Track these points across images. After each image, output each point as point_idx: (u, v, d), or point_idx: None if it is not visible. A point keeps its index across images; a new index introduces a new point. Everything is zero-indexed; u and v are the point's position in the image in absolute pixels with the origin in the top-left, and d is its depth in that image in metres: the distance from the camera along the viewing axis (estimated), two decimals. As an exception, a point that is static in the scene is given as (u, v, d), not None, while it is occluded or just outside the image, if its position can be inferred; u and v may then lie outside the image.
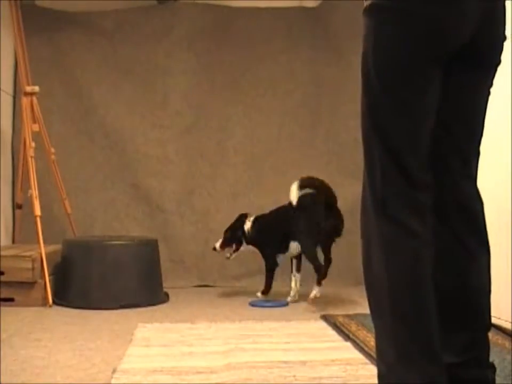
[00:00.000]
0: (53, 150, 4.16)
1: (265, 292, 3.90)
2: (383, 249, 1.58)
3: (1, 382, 2.15)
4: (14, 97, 4.47)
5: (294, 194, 3.77)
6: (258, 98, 4.67)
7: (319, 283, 3.56)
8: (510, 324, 2.74)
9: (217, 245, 3.88)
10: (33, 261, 3.58)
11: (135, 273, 3.79)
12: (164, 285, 3.98)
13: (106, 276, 3.70)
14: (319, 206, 3.72)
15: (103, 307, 3.54)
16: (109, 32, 4.61)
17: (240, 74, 4.66)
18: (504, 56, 1.71)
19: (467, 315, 1.70)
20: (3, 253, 3.64)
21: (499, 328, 2.72)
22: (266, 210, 4.02)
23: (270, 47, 4.66)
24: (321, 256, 3.69)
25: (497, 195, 2.79)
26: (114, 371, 2.22)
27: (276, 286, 4.07)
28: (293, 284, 3.87)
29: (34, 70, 4.23)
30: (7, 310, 3.41)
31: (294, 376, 2.18)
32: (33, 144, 3.87)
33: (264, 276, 3.92)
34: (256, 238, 3.92)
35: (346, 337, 2.75)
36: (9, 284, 3.56)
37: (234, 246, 3.89)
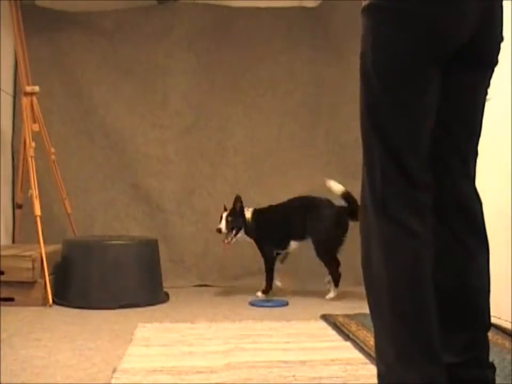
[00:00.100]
0: (53, 150, 4.16)
1: (266, 291, 3.91)
2: (382, 249, 1.58)
3: (1, 382, 2.15)
4: (14, 97, 4.47)
5: (337, 187, 3.86)
6: (258, 98, 4.67)
7: (336, 285, 3.88)
8: (510, 324, 2.75)
9: (223, 226, 3.85)
10: (33, 260, 3.58)
11: (135, 273, 3.79)
12: (164, 284, 3.98)
13: (106, 276, 3.70)
14: (344, 220, 3.85)
15: (103, 307, 3.54)
16: (109, 32, 4.61)
17: (240, 74, 4.66)
18: (504, 57, 1.71)
19: (467, 315, 1.70)
20: (3, 253, 3.64)
21: (499, 328, 2.73)
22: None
23: (270, 47, 4.66)
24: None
25: (497, 195, 2.79)
26: (114, 371, 2.22)
27: (275, 284, 4.08)
28: (278, 282, 3.97)
29: (34, 70, 4.23)
30: (7, 310, 3.41)
31: (294, 376, 2.18)
32: (33, 144, 3.88)
33: (265, 275, 3.94)
34: (255, 231, 3.94)
35: (346, 337, 2.75)
36: (9, 283, 3.56)
37: (234, 231, 3.89)
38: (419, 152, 1.60)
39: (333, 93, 4.64)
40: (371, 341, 2.55)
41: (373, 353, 2.34)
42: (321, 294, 4.04)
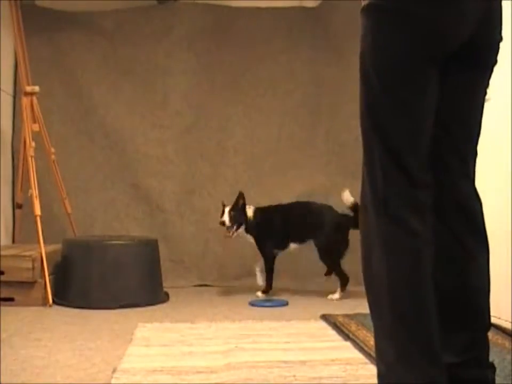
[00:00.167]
0: (53, 150, 4.16)
1: (266, 290, 3.91)
2: (383, 249, 1.58)
3: (1, 382, 2.15)
4: (14, 97, 4.47)
5: (348, 198, 3.88)
6: (258, 98, 4.67)
7: (342, 289, 3.92)
8: (510, 324, 2.75)
9: (227, 219, 3.84)
10: (33, 260, 3.58)
11: (135, 273, 3.79)
12: (164, 284, 3.98)
13: (106, 276, 3.70)
14: (345, 227, 3.91)
15: (103, 307, 3.54)
16: (109, 32, 4.61)
17: (240, 74, 4.66)
18: (504, 57, 1.71)
19: (467, 315, 1.70)
20: (3, 253, 3.64)
21: (499, 328, 2.73)
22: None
23: (270, 47, 4.66)
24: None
25: (497, 195, 2.79)
26: (114, 371, 2.22)
27: (275, 284, 4.08)
28: (260, 280, 3.99)
29: (34, 70, 4.23)
30: (7, 310, 3.41)
31: (294, 376, 2.18)
32: (33, 144, 3.88)
33: (265, 275, 3.95)
34: (255, 229, 3.95)
35: (346, 337, 2.75)
36: (9, 283, 3.56)
37: (235, 226, 3.88)
38: (419, 152, 1.60)
39: (333, 93, 4.64)
40: (371, 341, 2.55)
41: (373, 353, 2.34)
42: (321, 294, 4.05)
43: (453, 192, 1.69)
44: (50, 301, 3.58)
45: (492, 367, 1.72)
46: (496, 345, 2.48)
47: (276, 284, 4.09)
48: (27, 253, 3.63)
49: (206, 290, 4.31)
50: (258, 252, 4.05)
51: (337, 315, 3.21)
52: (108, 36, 4.61)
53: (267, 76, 4.66)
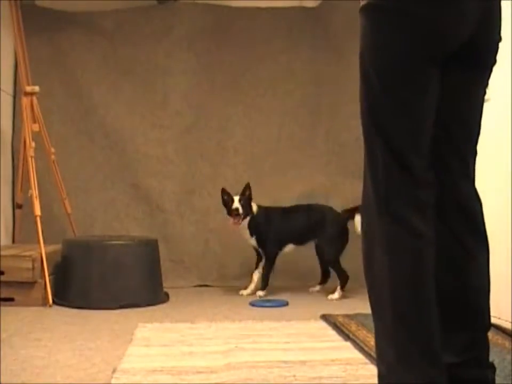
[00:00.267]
0: (53, 150, 4.16)
1: (264, 287, 3.96)
2: (385, 249, 1.58)
3: (1, 382, 2.15)
4: (14, 97, 4.47)
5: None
6: (258, 98, 4.67)
7: (342, 288, 3.94)
8: (510, 324, 2.75)
9: (240, 206, 3.89)
10: (33, 260, 3.58)
11: (135, 273, 3.79)
12: (164, 285, 3.98)
13: (106, 276, 3.70)
14: (345, 227, 4.03)
15: (103, 307, 3.54)
16: (109, 32, 4.61)
17: (240, 74, 4.66)
18: (504, 57, 1.71)
19: (467, 315, 1.70)
20: (3, 253, 3.64)
21: (499, 328, 2.72)
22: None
23: (270, 47, 4.66)
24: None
25: (497, 195, 2.79)
26: (114, 371, 2.22)
27: (275, 284, 4.09)
28: (255, 278, 4.02)
29: (34, 70, 4.23)
30: (7, 310, 3.41)
31: (294, 376, 2.18)
32: (33, 144, 3.88)
33: (263, 274, 4.00)
34: (257, 225, 3.99)
35: (346, 337, 2.75)
36: (9, 283, 3.56)
37: (243, 215, 3.92)
38: (420, 151, 1.60)
39: (333, 93, 4.64)
40: (371, 341, 2.55)
41: (373, 354, 2.34)
42: (321, 294, 4.05)
43: (453, 192, 1.69)
44: (50, 301, 3.58)
45: (492, 367, 1.72)
46: (496, 345, 2.48)
47: (276, 284, 4.10)
48: (27, 253, 3.63)
49: (206, 290, 4.31)
50: (257, 254, 4.07)
51: (337, 315, 3.21)
52: (108, 36, 4.61)
53: (267, 76, 4.66)
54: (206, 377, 2.17)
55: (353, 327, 2.91)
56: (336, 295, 3.93)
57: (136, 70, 4.61)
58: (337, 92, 4.61)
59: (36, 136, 4.00)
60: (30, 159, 3.83)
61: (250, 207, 3.99)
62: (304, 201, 4.27)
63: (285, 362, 2.35)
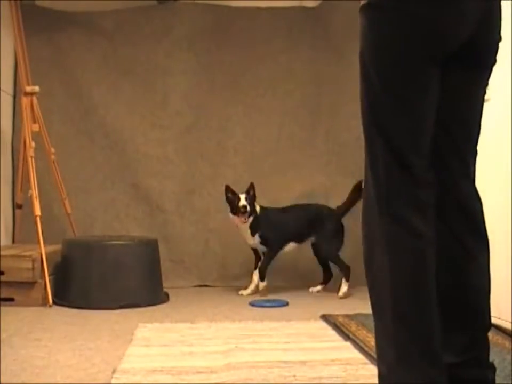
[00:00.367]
0: (53, 150, 4.16)
1: (263, 279, 4.00)
2: (385, 249, 1.58)
3: (1, 382, 2.15)
4: (14, 97, 4.47)
5: None
6: (258, 98, 4.67)
7: (347, 279, 3.99)
8: (510, 324, 2.75)
9: (247, 204, 3.93)
10: (33, 261, 3.58)
11: (135, 273, 3.79)
12: (164, 285, 3.98)
13: (106, 276, 3.70)
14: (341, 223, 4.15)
15: (103, 307, 3.54)
16: (109, 32, 4.61)
17: (240, 74, 4.66)
18: (504, 57, 1.71)
19: (467, 315, 1.70)
20: (3, 253, 3.64)
21: (499, 328, 2.72)
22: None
23: (270, 47, 4.66)
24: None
25: (497, 195, 2.79)
26: (114, 371, 2.22)
27: (275, 284, 4.09)
28: (255, 278, 4.02)
29: (34, 70, 4.23)
30: (7, 310, 3.41)
31: (294, 376, 2.18)
32: (33, 144, 3.88)
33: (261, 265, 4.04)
34: (259, 225, 4.00)
35: (346, 337, 2.75)
36: (9, 283, 3.56)
37: (249, 213, 3.95)
38: (421, 151, 1.60)
39: (333, 93, 4.64)
40: (371, 341, 2.55)
41: (373, 354, 2.34)
42: (322, 294, 4.05)
43: (453, 192, 1.69)
44: (50, 301, 3.58)
45: (492, 367, 1.72)
46: (496, 345, 2.48)
47: (276, 284, 4.10)
48: (27, 253, 3.63)
49: (206, 290, 4.31)
50: (255, 254, 4.07)
51: (337, 315, 3.21)
52: (108, 36, 4.61)
53: (267, 76, 4.66)
54: (206, 377, 2.17)
55: (353, 327, 2.91)
56: (344, 288, 3.98)
57: (136, 70, 4.61)
58: (337, 92, 4.61)
59: (36, 136, 4.00)
60: (30, 159, 3.83)
61: (254, 206, 4.00)
62: (302, 201, 4.30)
63: (285, 362, 2.35)
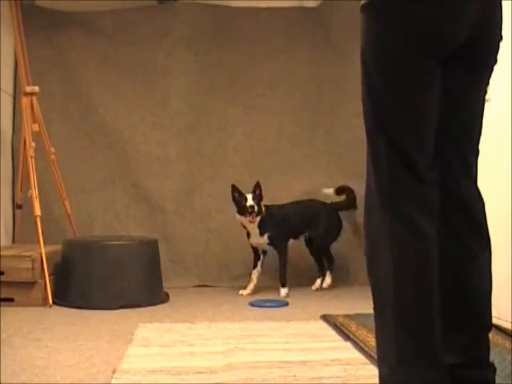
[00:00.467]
0: (53, 150, 4.16)
1: (283, 284, 4.00)
2: (389, 248, 1.57)
3: (1, 382, 2.15)
4: (14, 97, 4.47)
5: (328, 190, 4.34)
6: (258, 98, 4.67)
7: (331, 270, 4.20)
8: (510, 324, 2.75)
9: (255, 204, 3.91)
10: (33, 261, 3.58)
11: (135, 273, 3.79)
12: (164, 285, 3.98)
13: (106, 276, 3.70)
14: (338, 217, 4.31)
15: (103, 307, 3.54)
16: (109, 32, 4.61)
17: (240, 74, 4.66)
18: (504, 57, 1.71)
19: (468, 315, 1.69)
20: (3, 253, 3.64)
21: (499, 328, 2.72)
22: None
23: (270, 47, 4.66)
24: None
25: (497, 195, 2.79)
26: (114, 371, 2.22)
27: (275, 284, 4.08)
28: (254, 278, 4.03)
29: (34, 70, 4.23)
30: (7, 310, 3.41)
31: (294, 376, 2.18)
32: (33, 144, 3.88)
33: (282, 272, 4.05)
34: (269, 226, 4.00)
35: (346, 337, 2.75)
36: (9, 283, 3.56)
37: (256, 212, 3.94)
38: (425, 149, 1.60)
39: (333, 93, 4.64)
40: (371, 341, 2.55)
41: (373, 354, 2.34)
42: (322, 294, 4.05)
43: (454, 192, 1.68)
44: (50, 301, 3.58)
45: (492, 367, 1.72)
46: (496, 345, 2.48)
47: (275, 284, 4.09)
48: (27, 253, 3.63)
49: (206, 291, 4.31)
50: (255, 254, 4.08)
51: (337, 315, 3.20)
52: (108, 36, 4.61)
53: (267, 76, 4.66)
54: (206, 378, 2.17)
55: (353, 327, 2.91)
56: (328, 280, 4.18)
57: (136, 70, 4.61)
58: (337, 92, 4.61)
59: (36, 136, 4.00)
60: (30, 159, 3.83)
61: (261, 206, 4.00)
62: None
63: (285, 362, 2.35)
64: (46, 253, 3.65)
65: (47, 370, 2.29)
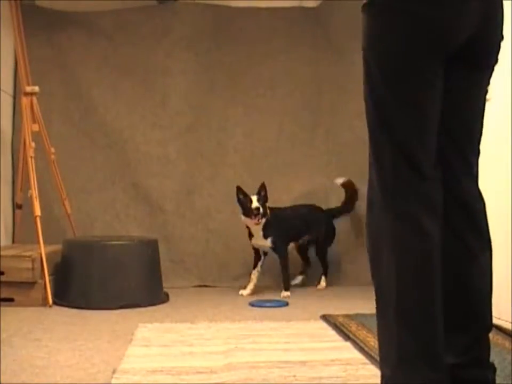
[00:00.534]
0: (53, 150, 4.16)
1: (287, 288, 3.98)
2: (392, 247, 1.57)
3: (1, 382, 2.15)
4: (14, 97, 4.47)
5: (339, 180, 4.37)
6: (258, 98, 4.66)
7: (326, 276, 4.25)
8: (510, 324, 2.74)
9: (260, 206, 3.90)
10: (33, 261, 3.58)
11: (135, 273, 3.79)
12: (164, 285, 3.98)
13: (106, 276, 3.69)
14: (332, 222, 4.38)
15: (103, 307, 3.54)
16: (109, 32, 4.61)
17: (240, 74, 4.66)
18: (504, 56, 1.71)
19: (468, 315, 1.69)
20: (3, 253, 3.64)
21: (499, 328, 2.72)
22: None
23: (270, 47, 4.66)
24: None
25: (497, 195, 2.79)
26: (114, 371, 2.22)
27: (275, 284, 4.08)
28: (254, 278, 4.02)
29: (34, 70, 4.22)
30: (7, 310, 3.41)
31: (294, 376, 2.18)
32: (33, 144, 3.87)
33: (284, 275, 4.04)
34: (273, 229, 4.00)
35: (346, 337, 2.75)
36: (9, 283, 3.56)
37: (261, 214, 3.94)
38: (428, 148, 1.60)
39: (333, 93, 4.64)
40: (371, 341, 2.55)
41: (373, 354, 2.34)
42: (322, 295, 4.05)
43: (455, 191, 1.68)
44: (50, 301, 3.58)
45: (492, 368, 1.72)
46: (496, 345, 2.48)
47: (275, 284, 4.09)
48: (27, 253, 3.63)
49: (206, 291, 4.31)
50: (256, 254, 4.07)
51: (337, 315, 3.20)
52: (108, 36, 4.61)
53: (267, 76, 4.66)
54: (206, 378, 2.17)
55: (353, 327, 2.91)
56: (323, 284, 4.22)
57: (136, 70, 4.61)
58: (337, 92, 4.61)
59: (36, 136, 3.99)
60: (30, 159, 3.83)
61: (266, 208, 3.99)
62: (302, 201, 4.33)
63: (285, 362, 2.35)
64: (46, 253, 3.65)
65: (47, 370, 2.29)
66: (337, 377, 2.17)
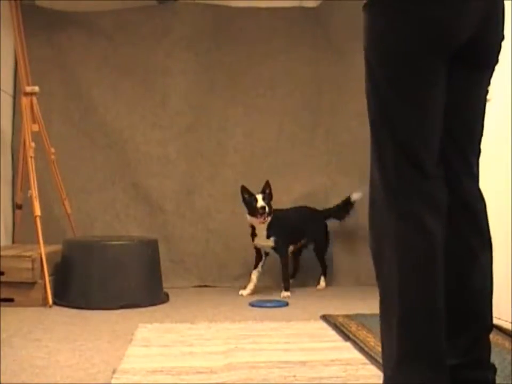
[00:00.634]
0: (53, 150, 4.16)
1: (287, 288, 3.99)
2: (395, 248, 1.57)
3: (1, 382, 2.14)
4: (14, 97, 4.47)
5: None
6: (258, 98, 4.66)
7: (325, 277, 4.26)
8: (510, 324, 2.74)
9: (266, 205, 3.91)
10: (33, 261, 3.58)
11: (135, 273, 3.79)
12: (164, 285, 3.98)
13: (106, 276, 3.70)
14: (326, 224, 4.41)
15: (103, 307, 3.54)
16: (109, 32, 4.61)
17: (240, 74, 4.65)
18: (504, 56, 1.71)
19: (468, 316, 1.69)
20: (3, 253, 3.64)
21: (499, 328, 2.72)
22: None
23: (270, 47, 4.66)
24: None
25: (497, 195, 2.79)
26: (114, 371, 2.22)
27: (275, 284, 4.08)
28: (254, 278, 4.01)
29: (34, 70, 4.22)
30: (7, 310, 3.41)
31: (294, 376, 2.18)
32: (33, 144, 3.87)
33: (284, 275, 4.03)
34: (276, 229, 4.00)
35: (346, 337, 2.75)
36: (9, 284, 3.56)
37: (267, 213, 3.94)
38: (431, 147, 1.60)
39: (333, 93, 4.64)
40: (371, 341, 2.55)
41: (373, 354, 2.34)
42: (321, 294, 4.05)
43: (456, 191, 1.68)
44: (50, 301, 3.58)
45: (493, 368, 1.71)
46: (496, 345, 2.48)
47: (275, 284, 4.09)
48: (27, 253, 3.63)
49: (206, 291, 4.31)
50: (257, 254, 4.07)
51: (337, 315, 3.20)
52: (108, 36, 4.60)
53: (267, 76, 4.66)
54: (206, 378, 2.17)
55: (353, 327, 2.91)
56: (323, 284, 4.24)
57: (136, 70, 4.61)
58: (337, 92, 4.61)
59: (36, 136, 3.99)
60: (29, 159, 3.83)
61: (271, 206, 3.99)
62: (302, 201, 4.33)
63: (285, 362, 2.35)
64: (46, 253, 3.65)
65: (47, 370, 2.29)
66: (337, 377, 2.17)
